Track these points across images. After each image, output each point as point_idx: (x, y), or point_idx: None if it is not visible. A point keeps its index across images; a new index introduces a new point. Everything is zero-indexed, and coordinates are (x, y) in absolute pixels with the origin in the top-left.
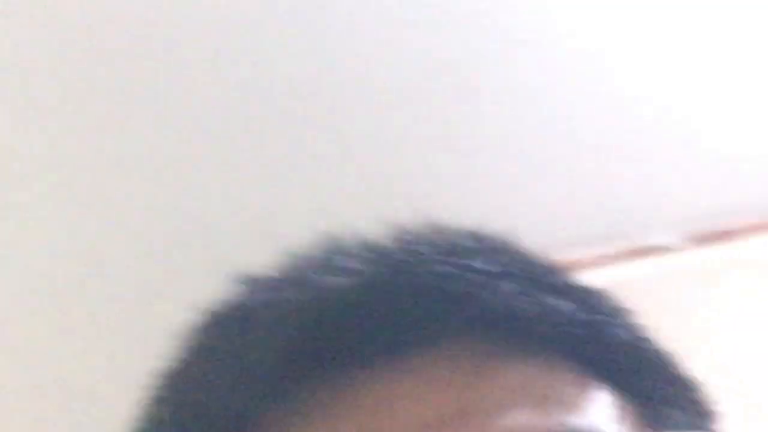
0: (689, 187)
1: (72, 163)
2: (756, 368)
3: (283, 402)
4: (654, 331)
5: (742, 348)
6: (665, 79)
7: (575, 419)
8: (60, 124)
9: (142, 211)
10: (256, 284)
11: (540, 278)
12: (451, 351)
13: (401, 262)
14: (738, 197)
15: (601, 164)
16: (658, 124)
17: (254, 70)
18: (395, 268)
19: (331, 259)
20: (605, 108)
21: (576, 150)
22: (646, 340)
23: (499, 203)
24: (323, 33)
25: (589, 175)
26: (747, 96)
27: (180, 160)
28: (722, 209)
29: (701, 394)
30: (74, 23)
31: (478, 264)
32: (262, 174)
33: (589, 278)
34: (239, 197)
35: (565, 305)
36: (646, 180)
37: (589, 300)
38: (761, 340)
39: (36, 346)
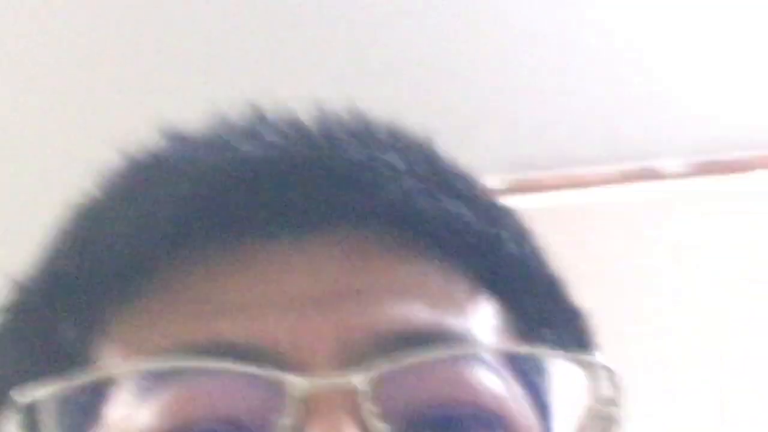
0: (697, 116)
1: None
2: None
3: (179, 255)
4: (559, 257)
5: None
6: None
7: (456, 321)
8: None
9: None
10: (178, 139)
11: (447, 182)
12: (350, 236)
13: (317, 144)
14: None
15: (614, 85)
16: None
17: None
18: (310, 148)
19: (252, 128)
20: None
21: (589, 69)
22: (540, 261)
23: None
24: None
25: (602, 95)
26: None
27: None
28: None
29: (584, 323)
30: None
31: (388, 158)
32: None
33: (594, 196)
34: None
35: (466, 213)
36: (657, 105)
37: (492, 213)
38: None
39: None
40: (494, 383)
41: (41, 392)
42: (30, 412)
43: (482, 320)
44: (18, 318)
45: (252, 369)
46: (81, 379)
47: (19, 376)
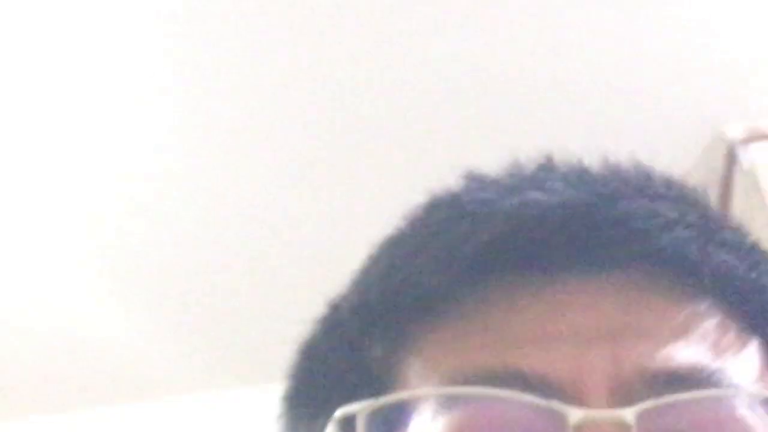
0: None
1: None
2: None
3: (474, 287)
4: None
5: None
6: None
7: (719, 364)
8: None
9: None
10: (476, 182)
11: (716, 232)
12: (625, 278)
13: (599, 194)
14: None
15: None
16: None
17: None
18: (594, 197)
19: (542, 177)
20: None
21: None
22: None
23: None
24: None
25: None
26: None
27: None
28: None
29: None
30: None
31: (664, 208)
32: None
33: None
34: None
35: (732, 261)
36: None
37: (758, 261)
38: None
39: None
40: (750, 425)
41: (356, 408)
42: (344, 424)
43: (744, 363)
44: (331, 331)
45: (539, 400)
46: (391, 398)
47: (330, 384)
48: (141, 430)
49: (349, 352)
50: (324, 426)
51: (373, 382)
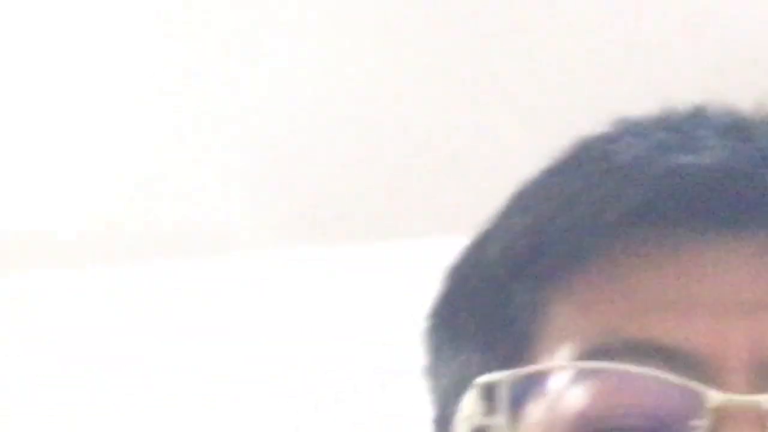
0: None
1: None
2: None
3: (620, 245)
4: None
5: None
6: None
7: None
8: None
9: None
10: (626, 134)
11: None
12: None
13: (751, 156)
14: None
15: None
16: None
17: None
18: (745, 160)
19: (694, 132)
20: None
21: None
22: None
23: None
24: None
25: None
26: None
27: None
28: None
29: None
30: None
31: None
32: None
33: None
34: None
35: None
36: None
37: None
38: None
39: None
40: None
41: (498, 377)
42: (486, 390)
43: None
44: (477, 267)
45: (678, 379)
46: (531, 369)
47: (475, 319)
48: (213, 283)
49: (494, 292)
50: (467, 364)
51: (517, 328)
